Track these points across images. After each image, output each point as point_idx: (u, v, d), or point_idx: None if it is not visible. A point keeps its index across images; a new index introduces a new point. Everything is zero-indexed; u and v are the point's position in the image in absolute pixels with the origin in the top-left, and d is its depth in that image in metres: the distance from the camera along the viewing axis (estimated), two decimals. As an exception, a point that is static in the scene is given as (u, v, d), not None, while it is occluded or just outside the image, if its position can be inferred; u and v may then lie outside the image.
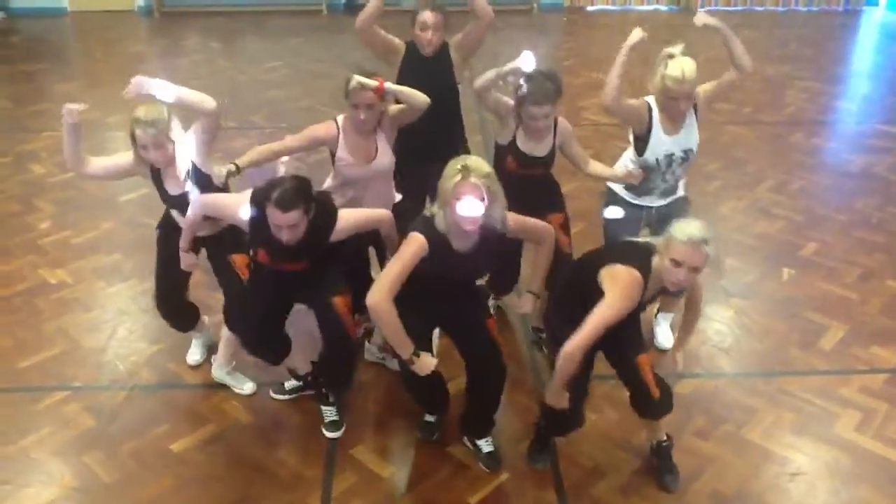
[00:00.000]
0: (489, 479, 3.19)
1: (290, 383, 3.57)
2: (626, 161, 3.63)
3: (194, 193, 3.19)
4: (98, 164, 3.38)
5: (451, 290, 3.00)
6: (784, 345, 4.00)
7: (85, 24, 10.59)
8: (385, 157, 3.46)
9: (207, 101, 3.16)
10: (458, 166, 2.74)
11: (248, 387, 3.62)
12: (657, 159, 3.47)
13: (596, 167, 3.65)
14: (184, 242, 3.28)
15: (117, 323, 4.15)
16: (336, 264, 3.18)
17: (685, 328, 3.13)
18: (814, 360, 3.89)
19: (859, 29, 10.74)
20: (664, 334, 3.93)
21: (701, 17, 3.48)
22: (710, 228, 2.68)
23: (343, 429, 3.41)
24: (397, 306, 2.79)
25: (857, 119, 7.34)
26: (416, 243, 2.81)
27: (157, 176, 3.32)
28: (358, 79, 3.22)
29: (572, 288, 3.00)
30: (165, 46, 9.76)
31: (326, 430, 3.39)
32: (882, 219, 5.25)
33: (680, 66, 3.25)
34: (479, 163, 2.79)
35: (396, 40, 3.89)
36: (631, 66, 3.34)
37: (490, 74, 3.33)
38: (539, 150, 3.48)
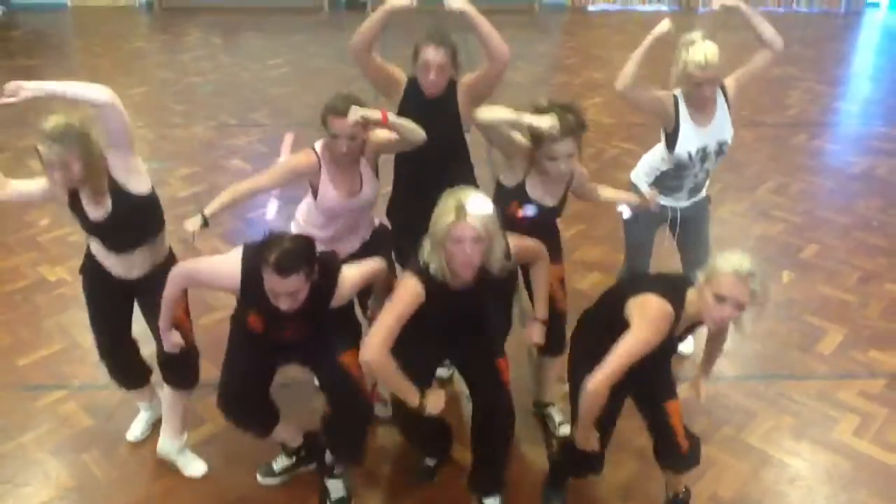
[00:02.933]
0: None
1: (280, 462, 3.18)
2: (657, 159, 3.45)
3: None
4: (13, 188, 2.93)
5: (455, 326, 2.79)
6: (784, 348, 4.00)
7: (85, 19, 10.58)
8: (369, 187, 3.10)
9: (96, 92, 2.63)
10: (454, 204, 2.47)
11: (198, 469, 3.19)
12: (689, 154, 3.29)
13: (607, 192, 3.32)
14: (164, 322, 2.83)
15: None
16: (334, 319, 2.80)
17: (708, 360, 2.93)
18: (813, 364, 3.88)
19: (861, 30, 10.74)
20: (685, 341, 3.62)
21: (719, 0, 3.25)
22: (756, 262, 2.45)
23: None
24: (398, 344, 2.57)
25: (858, 121, 7.33)
26: (410, 290, 2.57)
27: (75, 199, 2.79)
28: (360, 111, 2.79)
29: (597, 325, 2.77)
30: (166, 42, 9.75)
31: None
32: (883, 221, 5.25)
33: (702, 50, 3.10)
34: (478, 198, 2.53)
35: (397, 72, 3.30)
36: (652, 58, 3.11)
37: (502, 114, 2.85)
38: (550, 198, 3.05)
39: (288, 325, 2.68)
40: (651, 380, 2.72)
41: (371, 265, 2.85)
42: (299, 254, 2.47)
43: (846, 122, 7.38)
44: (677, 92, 3.28)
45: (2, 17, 10.45)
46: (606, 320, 2.65)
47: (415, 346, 2.64)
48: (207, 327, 4.07)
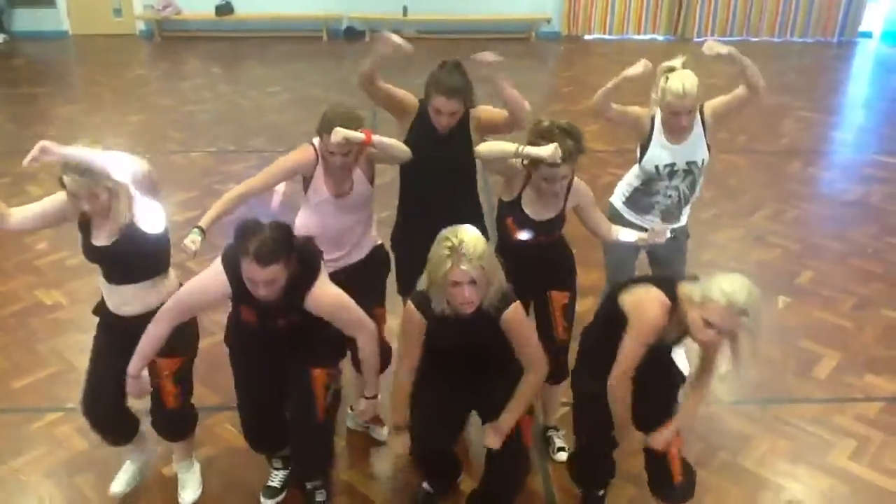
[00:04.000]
0: None
1: (278, 476, 3.19)
2: (631, 175, 3.56)
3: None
4: (21, 214, 2.86)
5: (468, 357, 2.76)
6: (779, 373, 4.00)
7: (86, 48, 10.69)
8: (360, 188, 3.14)
9: (129, 165, 2.62)
10: (448, 246, 2.49)
11: (188, 497, 3.16)
12: (657, 168, 3.39)
13: (617, 231, 3.25)
14: (134, 367, 2.74)
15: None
16: (330, 332, 2.80)
17: (695, 387, 2.80)
18: (809, 389, 3.88)
19: (854, 60, 10.86)
20: (681, 361, 3.55)
21: (712, 46, 3.27)
22: (754, 294, 2.44)
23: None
24: (424, 389, 2.77)
25: (852, 149, 7.40)
26: (411, 318, 2.67)
27: (85, 224, 2.81)
28: (342, 132, 2.84)
29: (594, 330, 2.84)
30: (167, 70, 9.84)
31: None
32: (877, 248, 5.27)
33: (680, 80, 3.19)
34: (472, 240, 2.50)
35: (408, 98, 3.25)
36: (623, 91, 3.24)
37: (504, 147, 2.92)
38: (545, 213, 3.05)
39: (278, 317, 2.69)
40: (653, 406, 2.74)
41: (356, 313, 2.75)
42: (279, 243, 2.48)
43: (840, 150, 7.44)
44: (656, 112, 3.38)
45: (3, 46, 10.55)
46: (602, 322, 2.73)
47: (443, 395, 2.76)
48: (203, 351, 4.06)
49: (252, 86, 8.87)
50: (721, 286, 2.42)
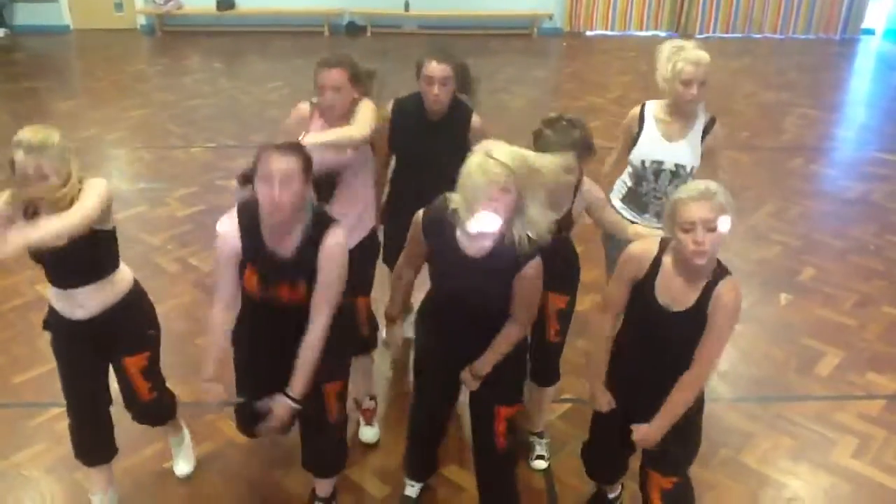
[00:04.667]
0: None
1: None
2: (625, 173, 3.53)
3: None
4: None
5: (470, 325, 2.60)
6: (781, 370, 3.99)
7: (87, 42, 10.67)
8: (354, 151, 3.06)
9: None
10: (483, 157, 2.28)
11: (182, 469, 3.26)
12: (643, 162, 3.31)
13: (638, 228, 3.10)
14: (207, 372, 2.68)
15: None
16: (338, 345, 2.68)
17: (678, 384, 2.49)
18: (811, 386, 3.88)
19: (856, 57, 10.84)
20: None
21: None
22: (714, 184, 2.35)
23: None
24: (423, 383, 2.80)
25: (854, 146, 7.38)
26: (414, 224, 2.58)
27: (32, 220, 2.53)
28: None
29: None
30: (167, 65, 9.82)
31: None
32: (879, 245, 5.26)
33: (696, 51, 3.15)
34: (507, 148, 2.31)
35: (381, 128, 3.18)
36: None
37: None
38: (552, 212, 2.75)
39: (282, 282, 2.52)
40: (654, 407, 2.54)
41: (333, 306, 2.59)
42: (298, 146, 2.46)
43: (842, 148, 7.43)
44: (647, 102, 3.36)
45: (4, 41, 10.54)
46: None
47: (434, 374, 2.74)
48: (203, 347, 4.07)
49: (253, 81, 8.85)
50: (678, 192, 2.36)
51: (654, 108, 3.34)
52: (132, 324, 2.80)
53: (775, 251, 5.18)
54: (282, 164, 2.34)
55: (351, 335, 2.81)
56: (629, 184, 3.50)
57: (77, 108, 7.95)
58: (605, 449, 2.83)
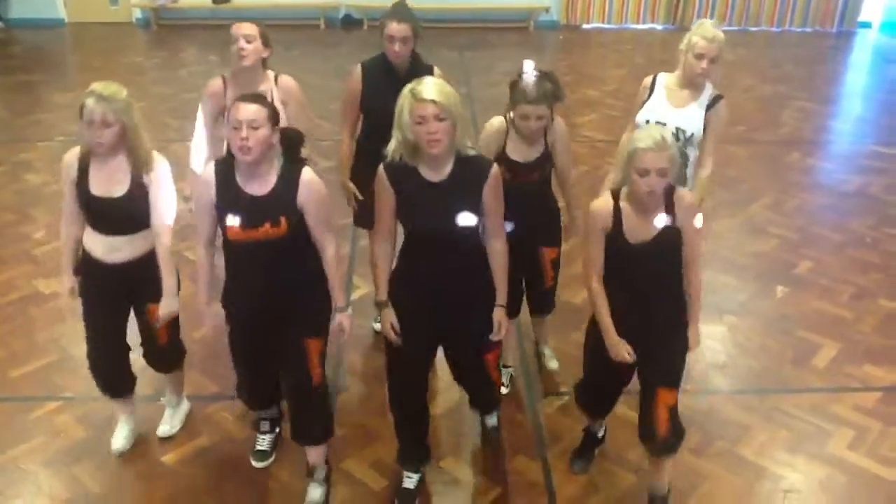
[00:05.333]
0: (482, 493, 3.18)
1: (266, 442, 3.33)
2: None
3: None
4: (76, 224, 3.05)
5: (445, 259, 2.75)
6: (778, 362, 4.01)
7: (83, 35, 10.64)
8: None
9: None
10: (408, 90, 2.56)
11: (162, 430, 3.43)
12: (647, 122, 3.44)
13: (575, 191, 3.47)
14: (202, 295, 2.90)
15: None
16: (320, 299, 2.90)
17: (691, 298, 2.84)
18: (807, 378, 3.89)
19: (852, 50, 10.85)
20: None
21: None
22: (665, 131, 2.68)
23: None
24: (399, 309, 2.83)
25: (851, 139, 7.39)
26: (377, 179, 2.74)
27: (83, 172, 2.90)
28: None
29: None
30: (164, 58, 9.80)
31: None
32: (876, 238, 5.28)
33: (712, 29, 3.36)
34: (433, 80, 2.60)
35: (353, 85, 3.65)
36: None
37: None
38: (531, 154, 3.26)
39: (263, 221, 2.69)
40: (657, 355, 2.80)
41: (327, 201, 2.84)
42: (262, 98, 2.70)
43: (839, 141, 7.44)
44: (660, 73, 3.57)
45: (0, 33, 10.50)
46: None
47: (412, 323, 2.82)
48: (202, 341, 4.07)
49: (249, 74, 8.83)
50: (637, 138, 2.62)
51: (665, 78, 3.54)
52: (158, 273, 3.01)
53: (772, 244, 5.19)
54: (248, 112, 2.59)
55: (329, 300, 2.94)
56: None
57: (74, 100, 7.85)
58: (610, 387, 3.05)
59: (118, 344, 3.18)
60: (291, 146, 2.75)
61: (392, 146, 2.66)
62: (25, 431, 3.46)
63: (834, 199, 5.98)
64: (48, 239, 5.03)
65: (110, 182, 2.89)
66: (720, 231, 5.32)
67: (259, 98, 2.67)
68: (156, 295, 3.03)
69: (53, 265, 4.77)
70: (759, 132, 7.26)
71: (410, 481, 3.17)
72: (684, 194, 2.75)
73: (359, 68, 3.64)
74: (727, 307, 4.42)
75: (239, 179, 2.71)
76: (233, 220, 2.70)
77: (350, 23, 11.00)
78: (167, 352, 3.28)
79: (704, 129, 3.45)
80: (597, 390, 3.12)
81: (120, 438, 3.35)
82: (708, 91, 3.46)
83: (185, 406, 3.54)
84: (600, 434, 3.35)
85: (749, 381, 3.89)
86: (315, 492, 3.09)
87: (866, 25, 11.46)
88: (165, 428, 3.44)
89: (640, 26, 11.33)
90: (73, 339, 4.06)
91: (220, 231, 2.79)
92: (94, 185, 2.90)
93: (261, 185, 2.70)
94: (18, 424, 3.50)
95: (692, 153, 3.50)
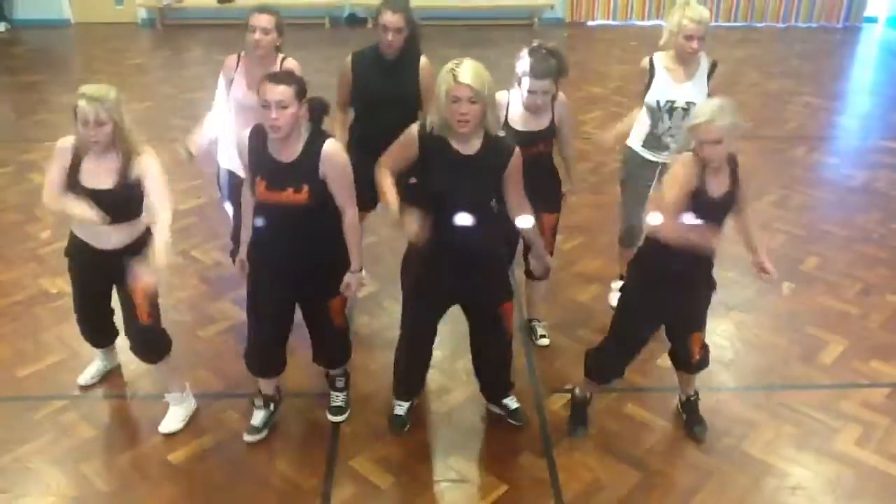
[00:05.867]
0: (489, 490, 3.17)
1: (259, 418, 3.41)
2: (641, 119, 3.92)
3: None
4: (55, 193, 3.11)
5: (456, 195, 2.94)
6: (785, 359, 3.99)
7: (88, 36, 10.66)
8: None
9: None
10: (448, 70, 2.76)
11: (166, 426, 3.45)
12: (658, 102, 3.77)
13: (572, 150, 3.76)
14: (245, 252, 3.18)
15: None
16: (340, 266, 3.12)
17: (754, 238, 3.30)
18: (815, 375, 3.88)
19: (858, 45, 10.80)
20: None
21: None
22: (727, 106, 2.92)
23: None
24: (415, 264, 3.08)
25: (857, 135, 7.36)
26: (408, 133, 2.94)
27: (74, 167, 3.07)
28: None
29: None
30: (168, 58, 9.82)
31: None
32: (883, 234, 5.25)
33: (699, 8, 3.62)
34: (473, 67, 2.77)
35: (345, 78, 3.93)
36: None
37: None
38: (536, 124, 3.49)
39: (286, 186, 2.91)
40: (686, 310, 3.18)
41: (350, 185, 3.03)
42: (293, 75, 2.95)
43: (845, 136, 7.41)
44: (655, 54, 3.81)
45: (5, 34, 10.53)
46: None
47: (430, 283, 3.08)
48: (208, 339, 4.09)
49: (254, 73, 8.83)
50: (699, 111, 2.92)
51: (661, 58, 3.80)
52: (137, 257, 3.11)
53: (779, 240, 5.17)
54: (276, 94, 2.78)
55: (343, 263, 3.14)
56: (647, 128, 3.89)
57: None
58: (635, 349, 3.26)
59: (104, 307, 3.48)
60: (317, 115, 2.96)
61: (428, 118, 2.91)
62: (32, 430, 3.46)
63: (840, 194, 5.96)
64: (53, 239, 5.04)
65: (101, 175, 3.05)
66: (727, 227, 5.28)
67: (286, 77, 2.86)
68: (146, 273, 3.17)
69: (58, 264, 4.74)
70: (765, 128, 7.24)
71: (402, 409, 3.47)
72: (740, 156, 3.15)
73: (349, 58, 3.88)
74: (734, 303, 4.40)
75: (269, 146, 2.93)
76: (261, 181, 2.94)
77: (355, 21, 10.99)
78: (149, 333, 3.29)
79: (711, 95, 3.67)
80: (623, 350, 3.26)
81: (87, 375, 3.71)
82: (705, 62, 3.77)
83: (189, 403, 3.54)
84: (588, 395, 3.50)
85: (756, 378, 3.88)
86: (338, 397, 3.50)
87: (872, 20, 11.41)
88: (167, 423, 3.45)
89: (646, 23, 11.31)
90: (79, 338, 4.05)
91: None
92: (85, 177, 3.06)
93: (288, 152, 2.92)
94: (25, 423, 3.51)
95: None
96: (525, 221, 3.08)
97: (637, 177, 3.96)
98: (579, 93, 7.94)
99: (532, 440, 3.43)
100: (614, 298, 4.25)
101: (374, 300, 4.43)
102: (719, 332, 4.13)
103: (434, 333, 3.31)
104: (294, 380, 3.65)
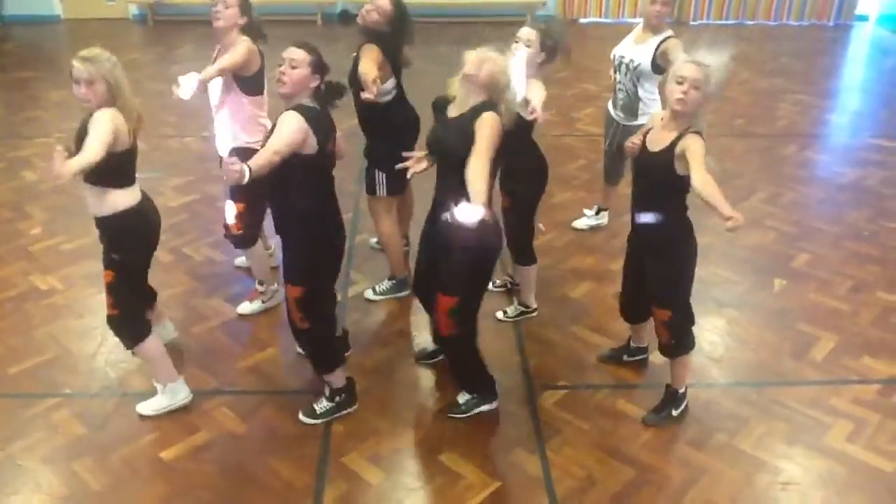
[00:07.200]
0: (481, 487, 3.17)
1: (322, 405, 3.50)
2: None
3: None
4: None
5: (446, 185, 3.15)
6: (776, 355, 4.01)
7: (79, 32, 10.59)
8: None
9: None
10: (467, 52, 3.13)
11: (163, 335, 3.69)
12: (615, 55, 4.61)
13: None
14: (255, 162, 3.03)
15: (108, 329, 4.10)
16: (295, 247, 3.26)
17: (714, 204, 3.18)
18: (806, 371, 3.90)
19: (849, 43, 10.83)
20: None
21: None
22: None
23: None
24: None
25: (848, 132, 7.39)
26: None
27: (84, 125, 3.12)
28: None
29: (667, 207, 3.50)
30: (160, 54, 9.76)
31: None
32: (873, 231, 5.28)
33: None
34: (476, 53, 3.12)
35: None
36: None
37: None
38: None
39: (331, 131, 3.24)
40: (651, 280, 3.35)
41: None
42: (313, 46, 3.18)
43: (836, 134, 7.43)
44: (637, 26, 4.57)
45: (-5, 30, 10.47)
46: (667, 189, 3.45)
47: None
48: (199, 336, 4.08)
49: (246, 70, 8.80)
50: (686, 56, 3.20)
51: (639, 26, 4.54)
52: (106, 240, 3.26)
53: (770, 237, 5.18)
54: (291, 52, 3.07)
55: (323, 248, 3.28)
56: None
57: (69, 97, 7.80)
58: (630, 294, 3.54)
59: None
60: (325, 95, 3.19)
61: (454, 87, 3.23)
62: (23, 428, 3.45)
63: (831, 191, 5.98)
64: (45, 236, 5.02)
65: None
66: (717, 224, 5.26)
67: (307, 45, 3.13)
68: (104, 259, 3.26)
69: (50, 261, 4.76)
70: (756, 125, 7.26)
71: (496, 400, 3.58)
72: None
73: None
74: (725, 300, 4.42)
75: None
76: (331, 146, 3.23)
77: (347, 18, 10.93)
78: (111, 322, 3.35)
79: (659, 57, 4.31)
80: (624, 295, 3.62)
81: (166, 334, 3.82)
82: (665, 33, 4.38)
83: (175, 395, 3.52)
84: (640, 345, 3.84)
85: (747, 374, 3.89)
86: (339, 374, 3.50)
87: (863, 18, 11.44)
88: (142, 405, 3.52)
89: (638, 20, 11.27)
90: (71, 336, 4.06)
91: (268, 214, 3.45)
92: None
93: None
94: (16, 421, 3.49)
95: (643, 88, 4.48)
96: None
97: (606, 128, 4.90)
98: (572, 90, 7.95)
99: (525, 437, 3.43)
100: (582, 223, 5.19)
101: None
102: (711, 329, 4.15)
103: (426, 284, 3.46)
104: (286, 378, 3.65)
